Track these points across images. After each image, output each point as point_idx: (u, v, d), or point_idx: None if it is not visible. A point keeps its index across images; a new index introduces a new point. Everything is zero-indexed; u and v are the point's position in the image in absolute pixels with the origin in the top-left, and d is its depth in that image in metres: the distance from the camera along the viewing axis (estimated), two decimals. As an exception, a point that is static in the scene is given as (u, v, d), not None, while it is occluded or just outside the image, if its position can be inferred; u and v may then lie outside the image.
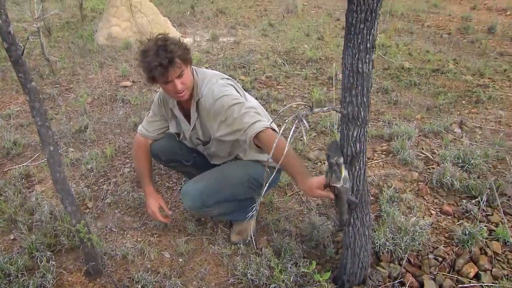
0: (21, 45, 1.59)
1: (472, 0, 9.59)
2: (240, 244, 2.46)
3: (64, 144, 3.73)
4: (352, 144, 1.69)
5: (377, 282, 2.06)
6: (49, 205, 2.70)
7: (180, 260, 2.39)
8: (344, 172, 1.59)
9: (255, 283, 2.14)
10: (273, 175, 1.60)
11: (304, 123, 1.26)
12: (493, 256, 2.20)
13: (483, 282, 2.04)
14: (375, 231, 2.26)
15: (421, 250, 2.23)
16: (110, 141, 3.76)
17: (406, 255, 2.17)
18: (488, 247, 2.25)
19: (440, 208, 2.59)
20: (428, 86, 4.77)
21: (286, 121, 1.27)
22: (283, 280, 2.04)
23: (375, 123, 3.93)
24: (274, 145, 1.49)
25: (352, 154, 1.68)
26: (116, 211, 2.86)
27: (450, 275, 2.10)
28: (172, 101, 2.35)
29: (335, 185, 1.59)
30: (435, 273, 2.11)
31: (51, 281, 2.16)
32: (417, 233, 2.22)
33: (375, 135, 3.63)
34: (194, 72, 2.22)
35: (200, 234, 2.59)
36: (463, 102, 4.44)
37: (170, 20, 7.34)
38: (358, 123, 1.63)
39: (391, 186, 2.74)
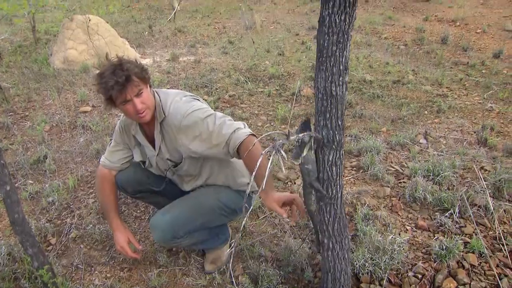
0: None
1: (423, 12, 9.92)
2: (215, 273, 2.37)
3: (21, 176, 3.53)
4: (328, 168, 1.64)
5: (359, 305, 2.02)
6: (7, 245, 2.52)
7: (153, 295, 2.28)
8: (307, 152, 1.54)
9: (234, 315, 2.05)
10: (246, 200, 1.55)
11: (282, 154, 1.20)
12: (470, 269, 2.20)
13: (464, 298, 2.03)
14: (353, 252, 2.22)
15: (400, 268, 2.20)
16: (72, 170, 3.59)
17: (386, 275, 2.14)
18: (464, 259, 2.25)
19: (415, 223, 2.59)
20: (391, 98, 4.84)
21: (263, 152, 1.21)
22: (263, 311, 1.96)
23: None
24: (259, 161, 1.42)
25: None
26: (81, 246, 2.70)
27: (431, 292, 2.08)
28: (134, 127, 2.23)
29: (293, 161, 1.56)
30: (416, 291, 2.09)
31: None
32: (395, 251, 2.19)
33: (344, 151, 3.62)
34: (156, 94, 2.14)
35: (172, 266, 2.48)
36: (426, 112, 4.52)
37: (128, 41, 7.20)
38: (334, 146, 1.59)
39: (365, 204, 2.72)
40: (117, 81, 1.88)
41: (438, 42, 7.44)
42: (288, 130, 1.24)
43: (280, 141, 1.25)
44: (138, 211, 3.04)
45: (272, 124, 4.25)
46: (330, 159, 1.62)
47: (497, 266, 2.24)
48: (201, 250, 2.54)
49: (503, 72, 5.99)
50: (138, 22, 9.56)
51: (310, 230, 2.63)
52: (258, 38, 7.91)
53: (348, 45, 1.40)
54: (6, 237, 2.75)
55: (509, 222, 2.64)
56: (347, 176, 3.21)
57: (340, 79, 1.45)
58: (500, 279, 2.12)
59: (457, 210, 2.57)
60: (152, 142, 2.22)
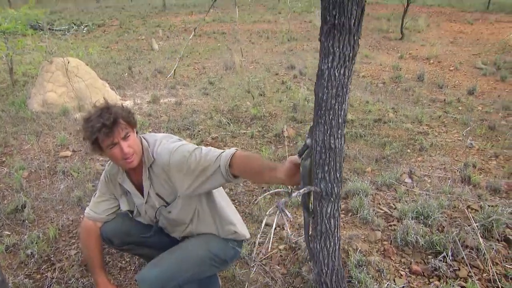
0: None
1: (398, 50, 10.22)
2: (207, 327, 2.27)
3: (-3, 227, 3.38)
4: (326, 221, 1.61)
5: None
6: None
7: None
8: (307, 158, 1.57)
9: None
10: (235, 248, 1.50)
11: (286, 214, 1.16)
12: (468, 315, 2.17)
13: None
14: (350, 302, 2.17)
15: (398, 318, 2.15)
16: (52, 219, 3.46)
17: (385, 325, 2.08)
18: (462, 306, 2.22)
19: (409, 268, 2.55)
20: (374, 137, 4.88)
21: (267, 213, 1.17)
22: None
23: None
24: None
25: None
26: (63, 302, 2.57)
27: None
28: (121, 175, 2.18)
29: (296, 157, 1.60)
30: None
31: None
32: (393, 300, 2.15)
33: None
34: (143, 140, 2.10)
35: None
36: (408, 150, 4.57)
37: (108, 83, 7.16)
38: (332, 199, 1.57)
39: (357, 249, 2.67)
40: (104, 124, 1.86)
41: (414, 80, 7.63)
42: (290, 189, 1.21)
43: (283, 199, 1.22)
44: (123, 262, 2.93)
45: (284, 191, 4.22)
46: (328, 211, 1.60)
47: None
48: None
49: (478, 108, 6.15)
50: (117, 63, 9.55)
51: (302, 278, 2.56)
52: (238, 79, 7.97)
53: (346, 98, 1.40)
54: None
55: (501, 262, 2.63)
56: (336, 220, 3.18)
57: (339, 132, 1.44)
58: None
59: (450, 253, 2.55)
60: (140, 189, 2.17)
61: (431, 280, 2.44)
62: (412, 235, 2.73)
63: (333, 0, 1.24)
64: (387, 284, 2.24)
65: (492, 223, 2.86)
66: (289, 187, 1.29)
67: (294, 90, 6.86)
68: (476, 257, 2.61)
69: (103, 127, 1.87)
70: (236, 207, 3.42)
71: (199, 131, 5.24)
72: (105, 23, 16.93)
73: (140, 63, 9.60)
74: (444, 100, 6.46)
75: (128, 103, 6.44)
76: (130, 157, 1.96)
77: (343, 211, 3.29)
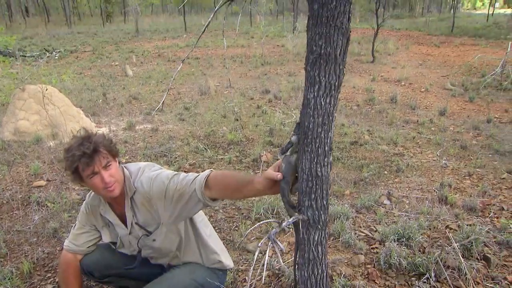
0: None
1: (370, 73, 10.46)
2: None
3: (-32, 263, 3.24)
4: (314, 248, 1.60)
5: None
6: None
7: None
8: (292, 154, 1.58)
9: None
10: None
11: (278, 245, 1.15)
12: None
13: None
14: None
15: None
16: (26, 253, 3.33)
17: None
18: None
19: (393, 291, 2.56)
20: (351, 160, 4.93)
21: (259, 244, 1.16)
22: None
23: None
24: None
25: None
26: None
27: None
28: (103, 206, 2.13)
29: (279, 154, 1.60)
30: None
31: None
32: (380, 325, 2.14)
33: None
34: (125, 169, 2.07)
35: None
36: (385, 172, 4.63)
37: (82, 110, 7.07)
38: (319, 226, 1.56)
39: (341, 274, 2.67)
40: (85, 152, 1.84)
41: (387, 102, 7.80)
42: (281, 219, 1.20)
43: (274, 230, 1.21)
44: (103, 295, 2.84)
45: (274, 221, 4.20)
46: (316, 238, 1.59)
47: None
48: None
49: (450, 129, 6.32)
50: (91, 89, 9.46)
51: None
52: (214, 104, 7.99)
53: (332, 126, 1.41)
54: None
55: (482, 281, 2.66)
56: (319, 244, 3.17)
57: (325, 159, 1.45)
58: None
59: (433, 274, 2.57)
60: (123, 220, 2.13)
61: (416, 302, 2.44)
62: (395, 258, 2.74)
63: (320, 31, 1.26)
64: (373, 309, 2.23)
65: (472, 243, 2.90)
66: (281, 219, 1.27)
67: (269, 115, 6.91)
68: (458, 277, 2.63)
69: (83, 156, 1.84)
70: (217, 234, 3.40)
71: (176, 157, 5.20)
72: (77, 49, 16.83)
73: (115, 89, 9.54)
74: (417, 121, 6.61)
75: (103, 130, 6.35)
76: (111, 186, 1.93)
77: (325, 235, 3.29)
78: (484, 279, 2.69)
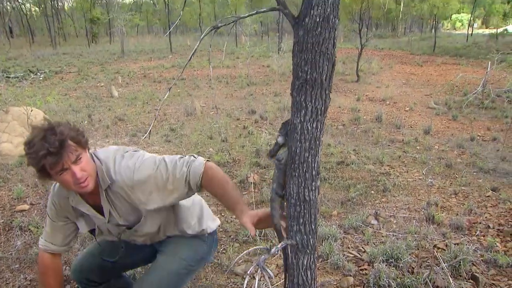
0: None
1: (355, 92, 10.58)
2: None
3: None
4: (303, 273, 1.59)
5: None
6: None
7: None
8: (282, 152, 1.56)
9: None
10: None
11: (268, 272, 1.14)
12: None
13: None
14: None
15: None
16: (8, 280, 3.25)
17: None
18: None
19: (383, 313, 2.54)
20: (337, 180, 4.94)
21: (248, 272, 1.14)
22: None
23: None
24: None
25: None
26: None
27: None
28: (73, 197, 1.92)
29: (268, 157, 1.59)
30: None
31: None
32: None
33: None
34: (95, 157, 1.86)
35: None
36: (372, 192, 4.64)
37: (66, 132, 6.99)
38: (308, 251, 1.55)
39: (331, 296, 2.65)
40: (49, 150, 1.63)
41: (373, 121, 7.88)
42: (270, 245, 1.19)
43: (263, 256, 1.19)
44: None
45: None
46: (305, 263, 1.57)
47: None
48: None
49: (435, 147, 6.40)
50: (76, 111, 9.38)
51: None
52: (200, 125, 7.98)
53: (319, 150, 1.41)
54: None
55: (471, 302, 2.66)
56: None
57: (313, 184, 1.44)
58: None
59: (422, 295, 2.57)
60: (99, 210, 1.95)
61: (406, 325, 2.43)
62: (384, 279, 2.73)
63: (305, 57, 1.27)
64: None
65: (460, 262, 2.91)
66: (270, 246, 1.26)
67: (256, 135, 6.91)
68: (447, 298, 2.63)
69: (49, 154, 1.63)
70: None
71: (163, 179, 5.15)
72: (62, 70, 16.76)
73: (100, 111, 9.48)
74: (403, 140, 6.68)
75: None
76: (84, 181, 1.74)
77: (313, 257, 3.27)
78: (473, 299, 2.69)
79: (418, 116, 8.46)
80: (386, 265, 2.95)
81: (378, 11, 37.98)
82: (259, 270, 1.20)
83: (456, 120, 8.12)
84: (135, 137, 7.29)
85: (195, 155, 1.92)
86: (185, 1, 1.72)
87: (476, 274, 2.89)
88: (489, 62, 10.51)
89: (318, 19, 1.22)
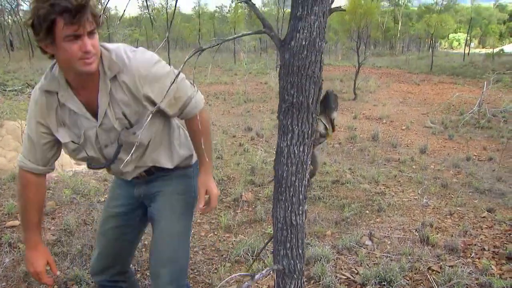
0: None
1: (352, 110, 10.60)
2: None
3: None
4: (290, 299, 1.55)
5: None
6: None
7: None
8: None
9: None
10: None
11: (250, 301, 1.10)
12: None
13: None
14: None
15: None
16: (-7, 299, 3.20)
17: None
18: None
19: (375, 339, 2.49)
20: (332, 199, 4.90)
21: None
22: None
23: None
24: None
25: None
26: None
27: None
28: (63, 91, 1.67)
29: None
30: None
31: None
32: None
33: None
34: (102, 48, 1.64)
35: None
36: (367, 212, 4.60)
37: (61, 147, 6.96)
38: (295, 276, 1.52)
39: (322, 320, 2.59)
40: (69, 5, 1.39)
41: (369, 140, 7.87)
42: (254, 273, 1.16)
43: (246, 283, 1.16)
44: None
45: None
46: (292, 288, 1.54)
47: None
48: None
49: (431, 167, 6.38)
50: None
51: None
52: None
53: (306, 174, 1.39)
54: None
55: (465, 327, 2.61)
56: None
57: (300, 208, 1.41)
58: None
59: (415, 320, 2.52)
60: (90, 110, 1.71)
61: None
62: (377, 303, 2.69)
63: (291, 80, 1.25)
64: None
65: (454, 286, 2.86)
66: (254, 273, 1.23)
67: (251, 153, 6.89)
68: (440, 323, 2.58)
69: (67, 11, 1.40)
70: (195, 277, 3.31)
71: (157, 195, 5.10)
72: (60, 84, 16.74)
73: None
74: (399, 159, 6.66)
75: (83, 168, 6.24)
76: (91, 58, 1.52)
77: (305, 278, 3.21)
78: (467, 324, 2.64)
79: (414, 135, 8.46)
80: (379, 287, 2.91)
81: (377, 30, 38.39)
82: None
83: (452, 140, 8.12)
84: (130, 153, 7.25)
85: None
86: (172, 18, 1.69)
87: (471, 298, 2.85)
88: (485, 82, 10.57)
89: (304, 42, 1.20)
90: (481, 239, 3.93)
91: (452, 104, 11.45)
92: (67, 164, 6.16)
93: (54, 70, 1.66)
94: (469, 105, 10.80)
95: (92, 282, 2.93)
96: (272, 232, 1.55)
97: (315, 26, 1.18)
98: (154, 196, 2.00)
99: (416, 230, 4.10)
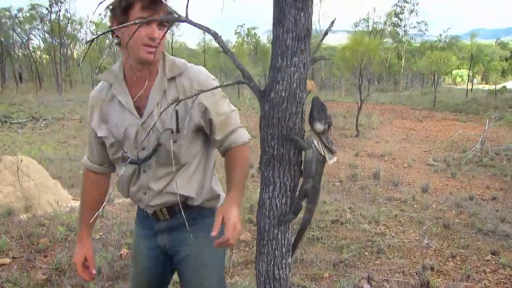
0: None
1: (354, 147, 10.57)
2: None
3: None
4: None
5: None
6: None
7: None
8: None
9: None
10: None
11: None
12: None
13: None
14: None
15: None
16: None
17: None
18: None
19: None
20: (331, 240, 4.80)
21: None
22: None
23: None
24: None
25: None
26: None
27: None
28: (117, 85, 1.71)
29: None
30: None
31: None
32: None
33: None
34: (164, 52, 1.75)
35: None
36: (366, 253, 4.49)
37: (61, 181, 6.93)
38: (280, 332, 1.44)
39: None
40: None
41: (370, 178, 7.81)
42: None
43: None
44: None
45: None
46: None
47: None
48: None
49: (433, 206, 6.28)
50: (73, 159, 9.36)
51: None
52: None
53: (290, 227, 1.34)
54: None
55: None
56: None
57: (283, 262, 1.36)
58: None
59: None
60: (137, 107, 1.71)
61: None
62: None
63: (272, 132, 1.22)
64: None
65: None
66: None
67: (251, 190, 6.83)
68: None
69: None
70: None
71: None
72: (65, 117, 16.93)
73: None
74: (400, 198, 6.58)
75: (79, 204, 6.19)
76: (154, 47, 1.57)
77: (300, 326, 3.10)
78: None
79: (416, 173, 8.39)
80: (376, 337, 2.79)
81: (380, 66, 38.81)
82: None
83: (455, 178, 8.03)
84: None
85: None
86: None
87: None
88: (487, 120, 10.55)
89: (284, 94, 1.18)
90: (485, 284, 3.81)
91: (454, 142, 11.41)
92: (63, 200, 6.11)
93: (114, 66, 1.74)
94: (472, 143, 10.75)
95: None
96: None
97: (295, 77, 1.16)
98: (179, 253, 1.89)
99: (416, 273, 3.98)
